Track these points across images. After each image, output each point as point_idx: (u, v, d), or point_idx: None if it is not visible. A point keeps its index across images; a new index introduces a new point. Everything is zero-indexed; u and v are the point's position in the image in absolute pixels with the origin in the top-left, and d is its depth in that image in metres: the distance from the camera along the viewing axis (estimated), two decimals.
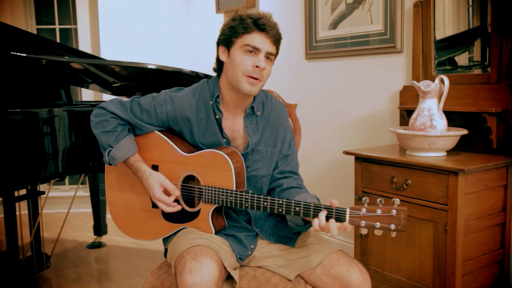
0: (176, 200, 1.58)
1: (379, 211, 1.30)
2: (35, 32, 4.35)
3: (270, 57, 1.51)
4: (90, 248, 3.35)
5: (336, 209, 1.34)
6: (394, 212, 1.29)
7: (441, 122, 1.99)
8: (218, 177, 1.51)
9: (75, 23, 4.36)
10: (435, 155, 1.99)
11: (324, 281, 1.46)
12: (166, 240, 1.65)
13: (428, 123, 1.98)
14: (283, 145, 1.65)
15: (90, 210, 3.44)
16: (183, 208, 1.58)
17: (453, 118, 2.13)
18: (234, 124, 1.60)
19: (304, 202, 1.39)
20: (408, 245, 2.01)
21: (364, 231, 1.34)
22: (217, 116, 1.57)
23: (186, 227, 1.58)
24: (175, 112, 1.58)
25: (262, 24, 1.47)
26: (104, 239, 3.45)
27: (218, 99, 1.57)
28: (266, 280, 1.50)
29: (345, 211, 1.33)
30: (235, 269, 1.49)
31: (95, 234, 3.41)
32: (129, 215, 1.71)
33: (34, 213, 2.71)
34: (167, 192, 1.55)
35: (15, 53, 2.56)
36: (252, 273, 1.52)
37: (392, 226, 1.30)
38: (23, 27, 4.16)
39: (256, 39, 1.47)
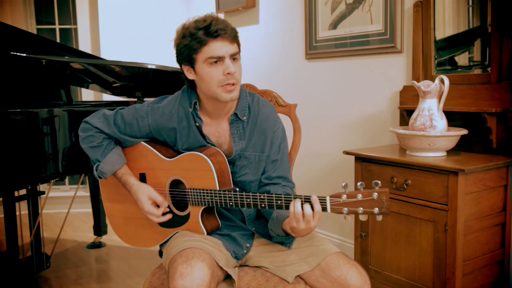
0: (167, 207, 1.59)
1: (360, 196, 1.28)
2: (35, 32, 4.35)
3: (235, 56, 1.47)
4: (90, 248, 3.35)
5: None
6: (375, 195, 1.27)
7: (441, 122, 1.98)
8: (201, 179, 1.51)
9: (75, 23, 4.36)
10: (435, 155, 1.99)
11: (323, 283, 1.45)
12: (162, 243, 1.66)
13: (428, 123, 1.98)
14: (271, 149, 1.60)
15: (90, 210, 3.45)
16: (174, 213, 1.59)
17: (453, 118, 2.12)
18: (218, 130, 1.58)
19: (284, 195, 1.38)
20: (408, 245, 2.01)
21: (349, 218, 1.31)
22: (197, 124, 1.56)
23: (180, 231, 1.59)
24: (157, 124, 1.59)
25: (214, 32, 1.41)
26: (104, 239, 3.45)
27: (196, 106, 1.56)
28: (266, 280, 1.50)
29: (325, 199, 1.32)
30: (234, 267, 1.49)
31: (95, 234, 3.41)
32: (127, 224, 1.72)
33: (34, 213, 2.71)
34: (156, 204, 1.57)
35: (15, 53, 2.56)
36: (252, 273, 1.52)
37: (376, 210, 1.27)
38: (23, 27, 4.16)
39: (215, 47, 1.42)
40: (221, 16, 3.82)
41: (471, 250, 1.89)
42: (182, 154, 1.56)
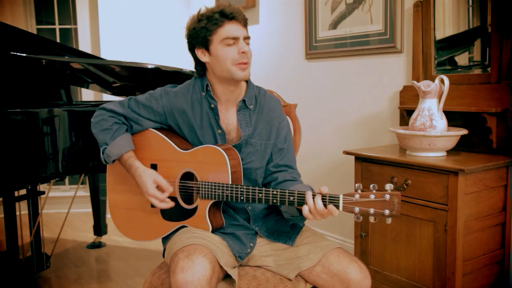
0: (175, 199, 1.59)
1: (372, 197, 1.30)
2: (35, 32, 4.35)
3: (247, 41, 1.57)
4: (90, 248, 3.35)
5: (329, 196, 1.35)
6: (387, 197, 1.29)
7: (441, 122, 1.99)
8: (214, 172, 1.52)
9: (75, 23, 4.36)
10: (435, 155, 1.99)
11: (324, 278, 1.46)
12: (165, 240, 1.65)
13: (428, 123, 1.98)
14: (278, 138, 1.65)
15: (90, 210, 3.45)
16: (181, 206, 1.59)
17: (453, 118, 2.13)
18: (227, 117, 1.63)
19: (298, 191, 1.40)
20: (408, 245, 2.01)
21: (359, 218, 1.33)
22: (212, 105, 1.61)
23: (185, 225, 1.59)
24: (171, 105, 1.63)
25: (230, 13, 1.52)
26: (104, 239, 3.45)
27: (209, 88, 1.61)
28: (266, 280, 1.50)
29: (339, 197, 1.34)
30: (234, 267, 1.49)
31: (95, 234, 3.41)
32: (129, 216, 1.71)
33: (34, 213, 2.71)
34: (160, 189, 1.56)
35: (15, 53, 2.56)
36: (252, 273, 1.53)
37: (386, 212, 1.29)
38: (23, 27, 4.16)
39: (231, 28, 1.52)
40: None
41: (471, 250, 1.89)
42: (197, 147, 1.58)
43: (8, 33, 2.61)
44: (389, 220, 1.31)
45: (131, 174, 1.60)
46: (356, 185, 1.35)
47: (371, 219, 1.32)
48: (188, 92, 1.63)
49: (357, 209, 1.31)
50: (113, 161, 1.63)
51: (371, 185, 1.32)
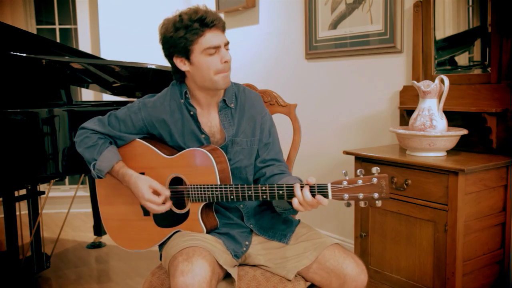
0: None
1: (360, 182, 1.31)
2: (35, 32, 4.35)
3: (227, 46, 1.55)
4: (90, 248, 3.35)
5: (318, 186, 1.36)
6: (375, 180, 1.30)
7: (441, 122, 1.98)
8: (202, 174, 1.52)
9: (75, 23, 4.36)
10: (435, 155, 1.99)
11: (321, 275, 1.46)
12: (161, 245, 1.65)
13: (428, 123, 1.98)
14: (262, 133, 1.65)
15: (90, 210, 3.45)
16: (173, 211, 1.58)
17: (453, 118, 2.13)
18: (210, 120, 1.62)
19: (286, 184, 1.41)
20: (408, 245, 2.01)
21: (349, 205, 1.34)
22: (191, 112, 1.60)
23: (179, 230, 1.58)
24: (150, 117, 1.62)
25: (210, 22, 1.48)
26: (104, 239, 3.44)
27: (187, 95, 1.60)
28: (266, 280, 1.50)
29: (327, 186, 1.35)
30: (234, 266, 1.49)
31: (95, 234, 3.41)
32: (123, 227, 1.70)
33: (34, 213, 2.71)
34: (156, 193, 1.56)
35: (15, 53, 2.56)
36: (252, 273, 1.53)
37: (376, 195, 1.30)
38: (23, 27, 4.16)
39: (211, 38, 1.49)
40: (221, 16, 3.82)
41: (471, 250, 1.89)
42: (183, 151, 1.57)
43: (8, 33, 2.61)
44: (379, 203, 1.32)
45: (126, 183, 1.59)
46: (343, 171, 1.35)
47: (362, 204, 1.33)
48: (166, 100, 1.62)
49: (346, 196, 1.32)
50: (105, 174, 1.62)
51: (358, 170, 1.33)
